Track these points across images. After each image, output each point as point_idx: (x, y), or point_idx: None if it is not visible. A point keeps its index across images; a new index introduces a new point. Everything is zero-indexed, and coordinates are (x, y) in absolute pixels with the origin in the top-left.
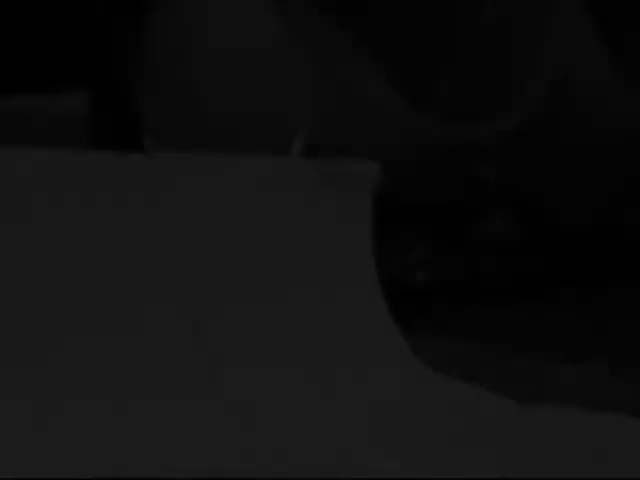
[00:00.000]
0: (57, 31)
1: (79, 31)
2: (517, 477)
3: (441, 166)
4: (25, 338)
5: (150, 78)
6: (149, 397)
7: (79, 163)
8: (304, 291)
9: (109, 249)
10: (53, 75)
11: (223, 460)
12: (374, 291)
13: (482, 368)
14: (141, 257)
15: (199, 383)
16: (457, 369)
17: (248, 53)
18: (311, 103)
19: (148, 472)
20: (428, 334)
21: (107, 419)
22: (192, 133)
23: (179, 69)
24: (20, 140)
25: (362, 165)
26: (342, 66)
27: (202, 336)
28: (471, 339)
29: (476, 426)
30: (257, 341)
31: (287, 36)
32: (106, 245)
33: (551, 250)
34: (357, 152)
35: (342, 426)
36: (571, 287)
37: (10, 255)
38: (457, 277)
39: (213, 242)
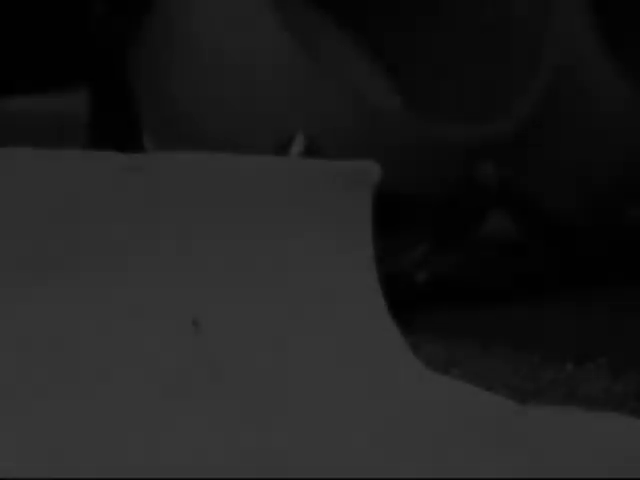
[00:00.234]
0: (57, 31)
1: (79, 31)
2: (517, 477)
3: (441, 166)
4: (25, 337)
5: (149, 78)
6: (149, 397)
7: (79, 163)
8: (304, 291)
9: (109, 249)
10: (53, 75)
11: (223, 460)
12: (374, 291)
13: (482, 368)
14: (141, 256)
15: (199, 383)
16: (457, 369)
17: (248, 53)
18: (311, 103)
19: (148, 472)
20: (428, 334)
21: (106, 419)
22: (192, 133)
23: (179, 69)
24: (20, 140)
25: (362, 165)
26: (342, 66)
27: (202, 335)
28: (471, 339)
29: (476, 426)
30: (257, 341)
31: (287, 36)
32: (106, 245)
33: (551, 250)
34: (357, 152)
35: (342, 426)
36: (571, 287)
37: (10, 255)
38: (457, 277)
39: (213, 242)
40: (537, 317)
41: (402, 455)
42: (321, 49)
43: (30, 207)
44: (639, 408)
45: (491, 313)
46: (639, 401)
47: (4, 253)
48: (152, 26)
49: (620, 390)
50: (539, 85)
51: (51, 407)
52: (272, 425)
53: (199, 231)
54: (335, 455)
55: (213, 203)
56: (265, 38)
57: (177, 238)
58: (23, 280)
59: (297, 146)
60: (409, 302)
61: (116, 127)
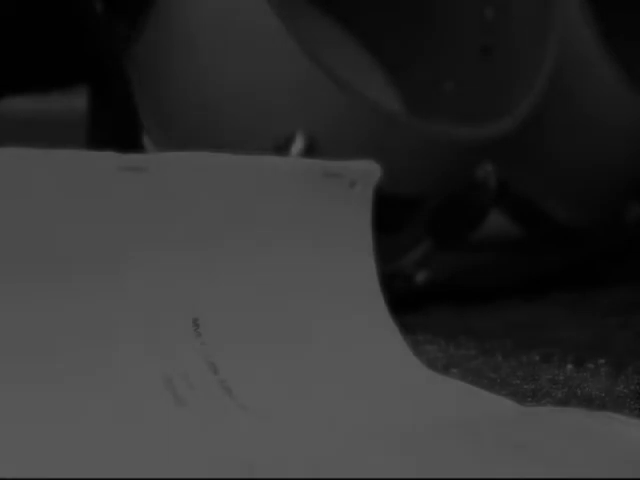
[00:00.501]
0: (57, 31)
1: (79, 31)
2: (517, 477)
3: (441, 166)
4: (24, 337)
5: (149, 78)
6: (149, 397)
7: (79, 163)
8: (304, 291)
9: (109, 249)
10: (53, 75)
11: (222, 460)
12: (374, 291)
13: (482, 368)
14: (141, 256)
15: (198, 382)
16: (457, 369)
17: (248, 53)
18: (311, 103)
19: (148, 473)
20: (428, 334)
21: (105, 419)
22: (192, 133)
23: (178, 69)
24: (20, 140)
25: (362, 165)
26: (342, 66)
27: (201, 335)
28: (471, 339)
29: (476, 426)
30: (257, 341)
31: (287, 36)
32: (106, 245)
33: (551, 250)
34: (357, 152)
35: (342, 426)
36: (571, 287)
37: (9, 255)
38: (457, 277)
39: (213, 242)
40: (537, 317)
41: (402, 455)
42: (321, 49)
43: (30, 207)
44: (639, 408)
45: (491, 313)
46: (639, 401)
47: (3, 253)
48: (152, 26)
49: (620, 390)
50: (539, 85)
51: (51, 407)
52: (272, 425)
53: (199, 231)
54: (335, 455)
55: (213, 203)
56: (265, 38)
57: (177, 238)
58: (22, 280)
59: (297, 146)
60: (409, 302)
61: (116, 127)
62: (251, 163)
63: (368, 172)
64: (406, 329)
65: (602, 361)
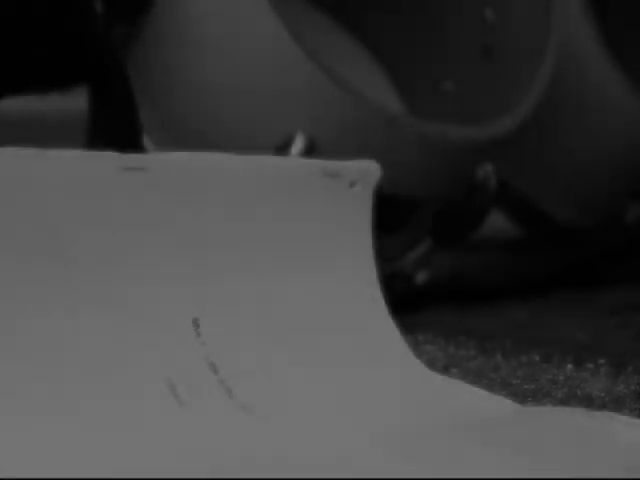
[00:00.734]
0: (57, 31)
1: (79, 31)
2: (517, 477)
3: (441, 166)
4: (24, 338)
5: (149, 78)
6: (148, 397)
7: (79, 163)
8: (304, 291)
9: (109, 249)
10: (53, 75)
11: (222, 460)
12: (374, 291)
13: (482, 368)
14: (141, 256)
15: (199, 382)
16: (457, 369)
17: (248, 53)
18: (311, 103)
19: (148, 473)
20: (428, 334)
21: (106, 418)
22: (192, 133)
23: (178, 69)
24: (20, 140)
25: (362, 165)
26: (342, 66)
27: (201, 335)
28: (471, 339)
29: (476, 426)
30: (257, 341)
31: (287, 36)
32: (106, 245)
33: (551, 250)
34: (357, 152)
35: (342, 426)
36: (571, 287)
37: (9, 255)
38: (457, 277)
39: (213, 241)
40: (537, 317)
41: (402, 455)
42: (321, 49)
43: (29, 207)
44: (639, 408)
45: (491, 313)
46: (639, 401)
47: (3, 253)
48: (152, 26)
49: (620, 390)
50: (539, 85)
51: (51, 407)
52: (272, 425)
53: (199, 231)
54: (335, 455)
55: (213, 203)
56: (265, 38)
57: (177, 238)
58: (22, 280)
59: (297, 146)
60: (409, 302)
61: (116, 127)
62: (251, 163)
63: (368, 172)
64: (406, 329)
65: (602, 361)
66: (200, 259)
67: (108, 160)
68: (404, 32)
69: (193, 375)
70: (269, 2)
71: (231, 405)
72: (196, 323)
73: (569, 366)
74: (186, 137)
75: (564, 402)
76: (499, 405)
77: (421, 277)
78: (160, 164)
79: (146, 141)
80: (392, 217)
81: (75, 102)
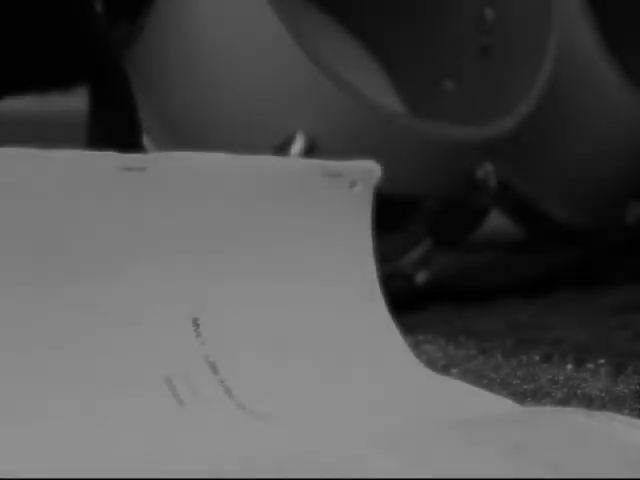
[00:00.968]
0: (57, 31)
1: (79, 31)
2: (517, 477)
3: (441, 166)
4: (24, 338)
5: (149, 78)
6: (148, 397)
7: (79, 163)
8: (304, 291)
9: (109, 249)
10: (53, 75)
11: (222, 460)
12: (374, 291)
13: (482, 368)
14: (141, 256)
15: (198, 382)
16: (457, 369)
17: (248, 53)
18: (311, 103)
19: (148, 472)
20: (428, 334)
21: (106, 418)
22: (192, 133)
23: (178, 69)
24: (20, 140)
25: (362, 165)
26: (342, 66)
27: (201, 334)
28: (471, 339)
29: (476, 426)
30: (256, 341)
31: (287, 36)
32: (106, 245)
33: (551, 250)
34: (357, 152)
35: (342, 426)
36: (571, 287)
37: (9, 255)
38: (457, 277)
39: (212, 241)
40: (537, 317)
41: (402, 455)
42: (321, 49)
43: (29, 207)
44: (639, 408)
45: (491, 313)
46: (639, 401)
47: (3, 253)
48: (152, 26)
49: (620, 390)
50: (539, 85)
51: (51, 407)
52: (272, 425)
53: (199, 231)
54: (335, 455)
55: (213, 203)
56: (265, 38)
57: (177, 238)
58: (22, 280)
59: (297, 146)
60: (409, 302)
61: (116, 127)
62: (251, 163)
63: (368, 172)
64: (406, 329)
65: (602, 361)
66: (200, 259)
67: (108, 160)
68: (404, 32)
69: (193, 375)
70: (269, 2)
71: (231, 405)
72: (196, 323)
73: (569, 366)
74: (186, 137)
75: (564, 402)
76: (499, 405)
77: (421, 277)
78: (160, 164)
79: (146, 141)
80: (392, 217)
81: (75, 102)
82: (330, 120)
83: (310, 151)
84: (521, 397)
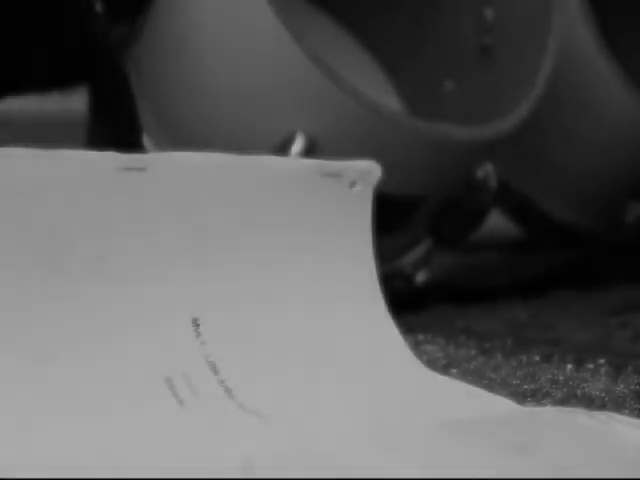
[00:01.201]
0: (57, 31)
1: (79, 31)
2: (517, 477)
3: (441, 166)
4: (24, 337)
5: (149, 78)
6: (148, 397)
7: (79, 163)
8: (304, 291)
9: (109, 249)
10: (53, 75)
11: (222, 460)
12: (374, 291)
13: (482, 368)
14: (141, 256)
15: (199, 382)
16: (457, 369)
17: (247, 53)
18: (311, 103)
19: (148, 472)
20: (428, 334)
21: (106, 418)
22: (192, 133)
23: (178, 69)
24: (20, 140)
25: (362, 165)
26: (342, 66)
27: (201, 334)
28: (471, 339)
29: (476, 426)
30: (256, 341)
31: (287, 36)
32: (106, 245)
33: (551, 250)
34: (357, 152)
35: (342, 425)
36: (571, 287)
37: (9, 255)
38: (457, 277)
39: (212, 241)
40: (537, 317)
41: (402, 455)
42: (321, 49)
43: (30, 207)
44: (639, 408)
45: (491, 313)
46: (639, 401)
47: (3, 253)
48: (152, 26)
49: (620, 390)
50: (539, 85)
51: (51, 407)
52: (272, 425)
53: (199, 231)
54: (335, 455)
55: (213, 203)
56: (265, 38)
57: (177, 238)
58: (22, 280)
59: (297, 146)
60: (409, 302)
61: (116, 127)
62: (251, 163)
63: (368, 172)
64: (406, 329)
65: (602, 361)
66: (200, 259)
67: (108, 160)
68: (404, 32)
69: (193, 375)
70: (269, 2)
71: (231, 405)
72: (196, 323)
73: (569, 366)
74: (186, 137)
75: (564, 402)
76: (499, 405)
77: (421, 277)
78: (160, 164)
79: (146, 141)
80: (392, 217)
81: (75, 102)
82: (330, 120)
83: (310, 151)
84: (521, 397)
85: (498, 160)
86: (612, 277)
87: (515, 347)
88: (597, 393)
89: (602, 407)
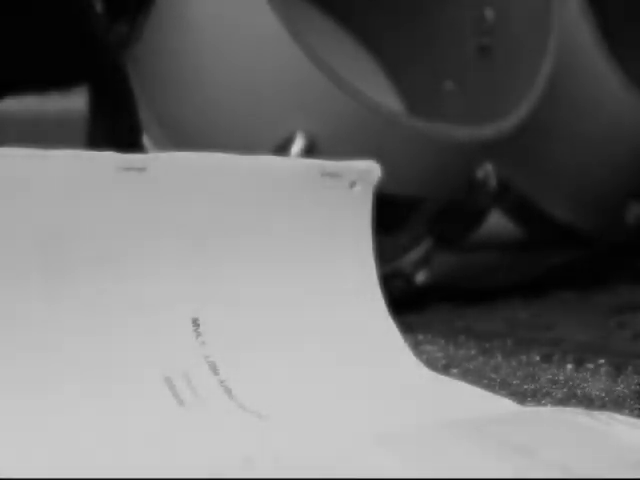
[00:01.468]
0: (57, 31)
1: (79, 31)
2: (517, 477)
3: (441, 166)
4: (24, 337)
5: (149, 78)
6: (148, 397)
7: (79, 163)
8: (304, 290)
9: (109, 249)
10: (53, 75)
11: (222, 460)
12: (374, 291)
13: (482, 368)
14: (141, 256)
15: (198, 382)
16: (457, 369)
17: (248, 53)
18: (311, 103)
19: (148, 472)
20: (428, 334)
21: (106, 418)
22: (192, 133)
23: (178, 69)
24: (20, 140)
25: (362, 165)
26: (342, 66)
27: (201, 334)
28: (471, 339)
29: (476, 426)
30: (256, 341)
31: (287, 36)
32: (106, 245)
33: (551, 250)
34: (357, 152)
35: (342, 426)
36: (571, 287)
37: (9, 255)
38: (457, 277)
39: (212, 241)
40: (537, 317)
41: (402, 455)
42: (321, 49)
43: (29, 207)
44: (639, 408)
45: (491, 313)
46: (639, 401)
47: (3, 253)
48: (152, 26)
49: (620, 390)
50: (539, 85)
51: (51, 407)
52: (272, 425)
53: (199, 231)
54: (335, 455)
55: (213, 203)
56: (265, 38)
57: (177, 238)
58: (22, 280)
59: (297, 146)
60: (409, 302)
61: (116, 127)
62: (251, 163)
63: (368, 172)
64: (406, 329)
65: (602, 361)
66: (200, 259)
67: (108, 160)
68: (404, 32)
69: (193, 375)
70: (269, 2)
71: (231, 405)
72: (196, 323)
73: (569, 366)
74: (186, 137)
75: (564, 402)
76: (499, 405)
77: (421, 277)
78: (160, 164)
79: (146, 141)
80: (392, 217)
81: (75, 102)
82: (330, 120)
83: (310, 151)
84: (521, 397)
85: (498, 160)
86: (612, 277)
87: (515, 347)
88: (597, 393)
89: (602, 407)
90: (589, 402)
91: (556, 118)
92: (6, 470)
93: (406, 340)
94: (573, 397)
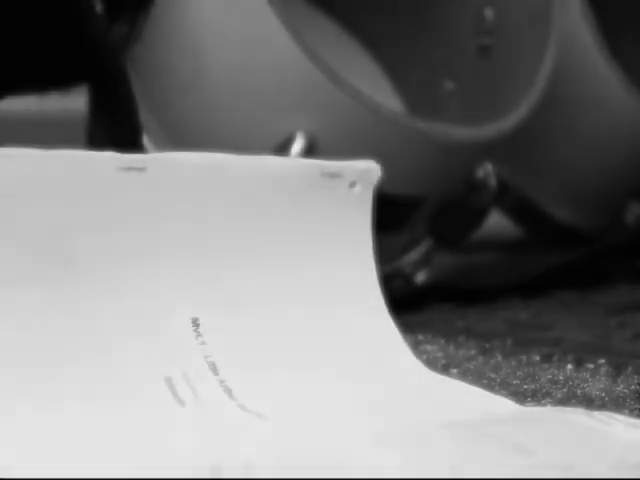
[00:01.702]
0: (57, 31)
1: (79, 31)
2: (517, 477)
3: (441, 166)
4: (25, 337)
5: (149, 78)
6: (148, 396)
7: (79, 163)
8: (304, 290)
9: (109, 249)
10: (53, 75)
11: (223, 460)
12: (374, 291)
13: (482, 368)
14: (140, 256)
15: (198, 382)
16: (457, 369)
17: (247, 53)
18: (311, 103)
19: (148, 472)
20: (428, 334)
21: (105, 418)
22: (191, 133)
23: (178, 69)
24: (20, 140)
25: (362, 165)
26: (342, 66)
27: (201, 334)
28: (471, 339)
29: (476, 426)
30: (257, 341)
31: (287, 36)
32: (106, 245)
33: (551, 250)
34: (357, 152)
35: (342, 425)
36: (571, 287)
37: (9, 255)
38: (457, 277)
39: (212, 241)
40: (537, 317)
41: (402, 455)
42: (321, 49)
43: (29, 207)
44: (639, 408)
45: (491, 313)
46: (639, 401)
47: (3, 253)
48: (152, 26)
49: (620, 390)
50: (539, 85)
51: (50, 407)
52: (272, 425)
53: (199, 231)
54: (335, 455)
55: (213, 203)
56: (265, 39)
57: (177, 238)
58: (23, 280)
59: (297, 146)
60: (409, 302)
61: (116, 127)
62: (251, 163)
63: (368, 172)
64: (406, 329)
65: (602, 361)
66: (200, 259)
67: (108, 160)
68: (404, 32)
69: (193, 375)
70: (269, 2)
71: (231, 405)
72: (196, 323)
73: (569, 366)
74: (186, 137)
75: (564, 402)
76: (499, 405)
77: (421, 277)
78: (160, 164)
79: (146, 141)
80: (392, 217)
81: (75, 102)
82: (330, 120)
83: (310, 151)
84: (521, 397)
85: (498, 160)
86: (612, 277)
87: (515, 347)
88: (597, 393)
89: (602, 407)
90: (589, 402)
91: (556, 118)
92: (6, 470)
93: (406, 340)
94: (573, 397)
